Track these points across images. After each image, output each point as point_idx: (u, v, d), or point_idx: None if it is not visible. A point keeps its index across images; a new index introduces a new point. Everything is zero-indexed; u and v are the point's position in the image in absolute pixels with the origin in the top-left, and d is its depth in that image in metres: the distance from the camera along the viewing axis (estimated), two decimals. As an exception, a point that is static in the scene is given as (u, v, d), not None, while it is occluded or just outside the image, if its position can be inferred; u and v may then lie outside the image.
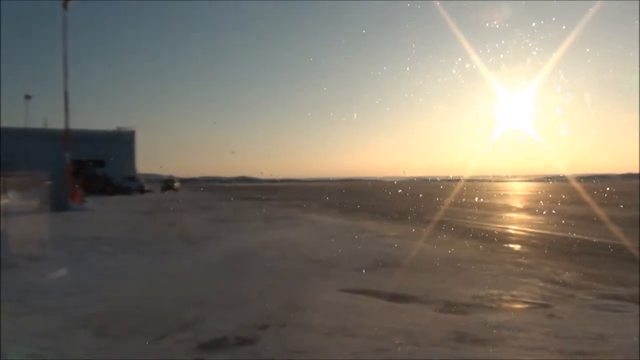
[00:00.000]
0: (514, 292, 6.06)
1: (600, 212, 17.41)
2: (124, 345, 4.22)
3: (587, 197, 25.57)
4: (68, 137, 24.66)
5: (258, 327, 4.64)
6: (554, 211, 20.60)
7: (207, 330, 4.56)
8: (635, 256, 8.88)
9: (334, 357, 3.93)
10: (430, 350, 4.05)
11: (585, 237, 11.65)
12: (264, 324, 4.74)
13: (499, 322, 4.82)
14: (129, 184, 43.06)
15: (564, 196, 33.04)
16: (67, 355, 3.96)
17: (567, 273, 7.32)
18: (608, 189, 36.93)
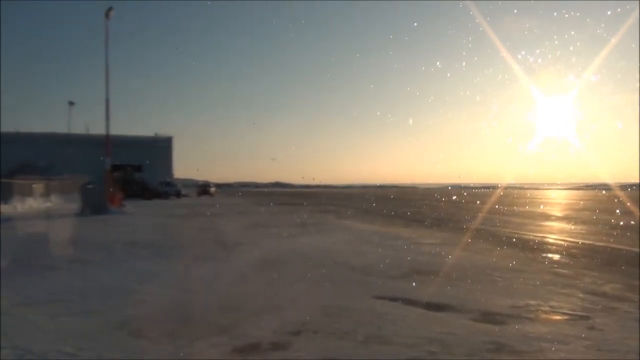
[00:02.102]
0: (553, 303, 5.89)
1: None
2: (159, 346, 4.28)
3: (631, 206, 24.75)
4: (108, 143, 25.32)
5: (291, 333, 4.65)
6: (595, 220, 20.01)
7: (241, 335, 4.59)
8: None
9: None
10: (465, 360, 3.97)
11: (628, 248, 11.27)
12: (297, 330, 4.74)
13: (537, 333, 4.69)
14: (166, 189, 43.92)
15: (605, 205, 32.06)
16: (104, 356, 4.04)
17: (608, 284, 7.08)
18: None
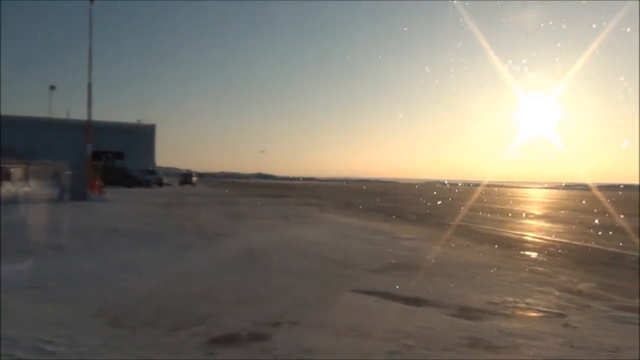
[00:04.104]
0: (529, 300, 5.99)
1: (620, 222, 17.13)
2: (138, 335, 4.27)
3: (607, 207, 25.17)
4: (90, 129, 24.98)
5: (270, 324, 4.66)
6: (572, 219, 20.32)
7: (220, 325, 4.59)
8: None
9: (345, 357, 3.92)
10: (442, 354, 4.02)
11: (604, 247, 11.48)
12: (276, 321, 4.75)
13: (513, 329, 4.76)
14: (147, 177, 43.53)
15: (582, 204, 32.56)
16: (81, 344, 4.01)
17: (583, 283, 7.21)
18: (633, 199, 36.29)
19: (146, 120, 57.28)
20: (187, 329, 4.45)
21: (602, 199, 29.75)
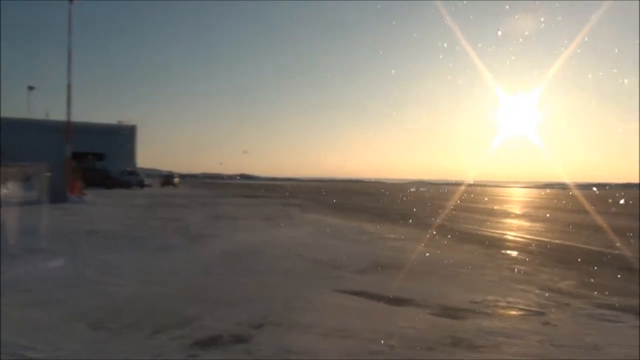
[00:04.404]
0: (510, 299, 6.06)
1: (599, 221, 17.41)
2: (119, 339, 4.22)
3: (586, 205, 25.57)
4: (69, 130, 24.65)
5: (253, 326, 4.65)
6: (552, 218, 20.60)
7: (203, 327, 4.57)
8: (632, 266, 8.87)
9: (329, 357, 3.93)
10: (425, 353, 4.05)
11: (583, 245, 11.65)
12: (259, 323, 4.74)
13: (494, 328, 4.82)
14: (128, 178, 43.10)
15: (562, 204, 33.03)
16: (62, 348, 3.96)
17: (563, 281, 7.32)
18: (612, 198, 36.91)
19: (127, 121, 56.67)
20: (169, 331, 4.42)
21: (581, 198, 30.22)
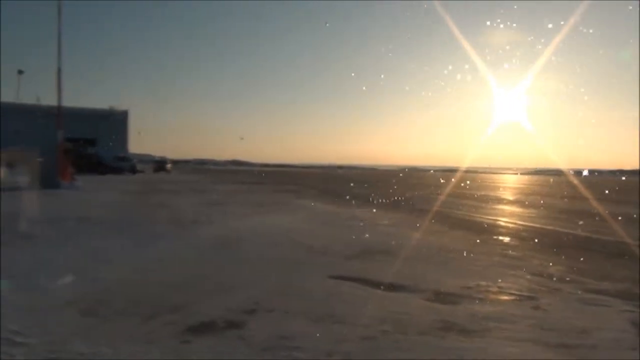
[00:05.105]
0: (502, 284, 6.10)
1: (591, 207, 17.53)
2: (110, 325, 4.22)
3: (578, 191, 25.73)
4: (60, 115, 24.43)
5: (246, 311, 4.66)
6: (544, 204, 20.71)
7: (195, 313, 4.57)
8: (622, 251, 8.94)
9: (320, 342, 3.94)
10: (417, 338, 4.08)
11: (574, 231, 11.73)
12: (252, 308, 4.75)
13: (486, 313, 4.85)
14: (120, 164, 42.95)
15: (554, 190, 33.22)
16: (53, 333, 3.95)
17: (554, 267, 7.37)
18: (605, 184, 37.15)
19: (119, 106, 56.21)
20: (161, 317, 4.42)
21: (576, 184, 30.40)
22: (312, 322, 4.42)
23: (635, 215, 15.12)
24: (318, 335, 4.11)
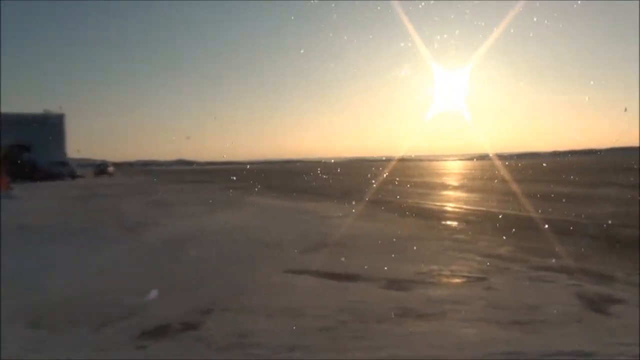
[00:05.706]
0: (453, 267, 6.25)
1: (524, 188, 18.22)
2: (61, 336, 4.04)
3: (515, 175, 26.71)
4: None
5: (202, 312, 4.56)
6: (485, 188, 21.38)
7: (150, 317, 4.44)
8: (561, 229, 9.33)
9: (279, 337, 3.91)
10: (375, 326, 4.11)
11: (515, 212, 12.17)
12: (207, 308, 4.66)
13: (440, 296, 4.96)
14: (58, 169, 41.24)
15: (492, 174, 34.37)
16: (4, 347, 3.74)
17: (502, 247, 7.62)
18: (544, 165, 38.72)
19: (54, 109, 53.92)
20: (114, 324, 4.27)
21: (511, 168, 31.54)
22: (270, 318, 4.38)
23: (552, 195, 15.88)
24: (277, 330, 4.08)
